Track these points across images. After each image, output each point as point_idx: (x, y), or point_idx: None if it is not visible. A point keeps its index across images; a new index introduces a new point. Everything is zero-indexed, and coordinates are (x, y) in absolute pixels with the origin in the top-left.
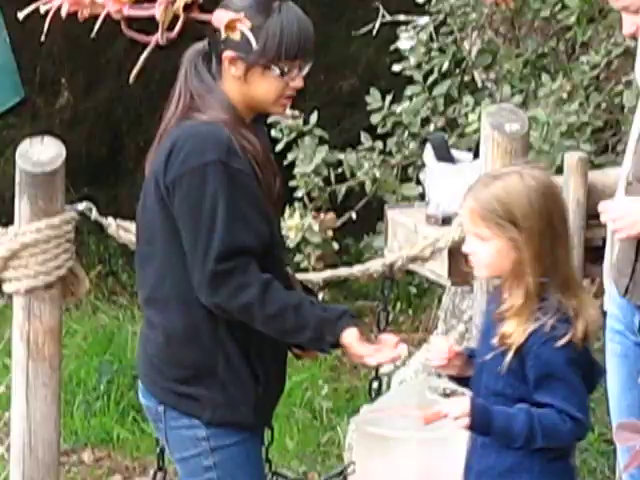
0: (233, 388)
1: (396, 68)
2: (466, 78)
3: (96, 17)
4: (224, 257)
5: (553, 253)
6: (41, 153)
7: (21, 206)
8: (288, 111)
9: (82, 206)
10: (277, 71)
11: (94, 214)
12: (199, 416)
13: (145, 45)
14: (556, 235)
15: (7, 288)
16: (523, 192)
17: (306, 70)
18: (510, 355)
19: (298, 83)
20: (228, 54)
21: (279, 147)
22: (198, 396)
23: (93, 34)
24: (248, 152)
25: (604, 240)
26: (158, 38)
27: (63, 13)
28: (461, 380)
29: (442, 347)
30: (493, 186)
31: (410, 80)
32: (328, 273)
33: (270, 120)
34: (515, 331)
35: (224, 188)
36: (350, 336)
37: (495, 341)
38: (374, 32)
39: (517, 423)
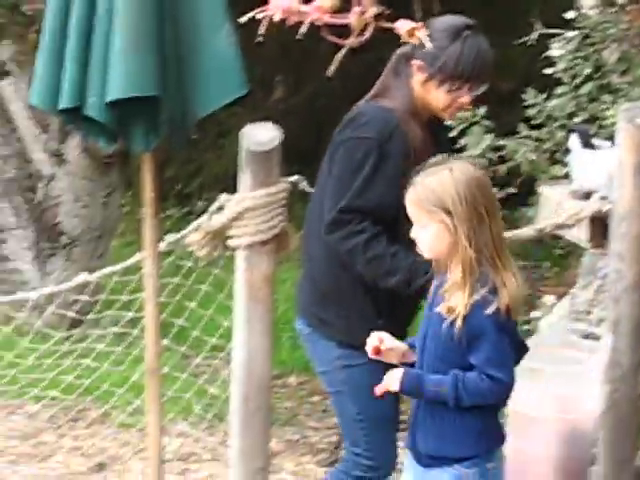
0: (356, 317)
1: (548, 71)
2: (605, 81)
3: (302, 23)
4: (346, 210)
5: (482, 234)
6: (261, 135)
7: (244, 178)
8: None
9: (294, 179)
10: (447, 88)
11: (302, 185)
12: (332, 338)
13: (342, 48)
14: (483, 219)
15: (231, 243)
16: (452, 184)
17: (478, 92)
18: (458, 324)
19: (465, 100)
20: (416, 62)
21: (453, 133)
22: (331, 322)
23: (299, 35)
24: (410, 138)
25: None
26: (352, 41)
27: (276, 18)
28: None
29: (372, 342)
30: (427, 180)
31: (559, 82)
32: None
33: None
34: (460, 303)
35: (371, 161)
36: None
37: (439, 310)
38: (529, 42)
39: (444, 387)
